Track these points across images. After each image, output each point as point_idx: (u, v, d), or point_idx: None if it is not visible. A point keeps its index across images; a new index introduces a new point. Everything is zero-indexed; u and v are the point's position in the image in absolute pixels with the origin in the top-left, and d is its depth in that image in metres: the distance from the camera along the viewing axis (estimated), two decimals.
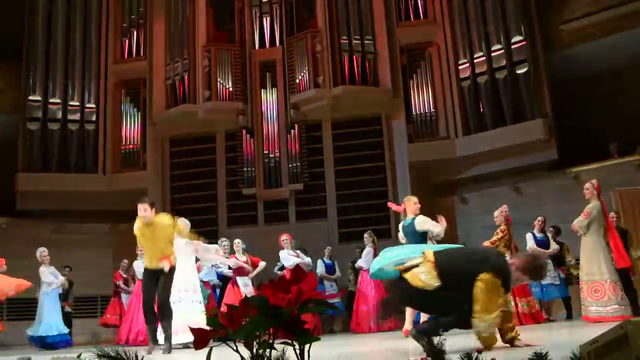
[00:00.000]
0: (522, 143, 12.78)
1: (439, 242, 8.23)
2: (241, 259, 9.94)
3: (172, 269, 7.36)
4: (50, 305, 11.00)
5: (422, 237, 7.80)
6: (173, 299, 7.93)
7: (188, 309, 8.18)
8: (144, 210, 7.32)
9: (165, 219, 7.47)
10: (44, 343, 10.76)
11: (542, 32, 13.53)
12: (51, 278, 11.01)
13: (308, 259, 10.88)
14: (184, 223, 8.76)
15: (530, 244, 10.16)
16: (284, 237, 10.61)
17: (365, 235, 11.34)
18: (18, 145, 14.38)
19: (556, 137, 12.83)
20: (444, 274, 4.25)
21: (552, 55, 13.53)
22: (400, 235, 8.13)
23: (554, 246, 10.31)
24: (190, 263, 8.66)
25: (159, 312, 7.33)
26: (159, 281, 7.28)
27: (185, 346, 7.91)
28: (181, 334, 7.74)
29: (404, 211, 8.08)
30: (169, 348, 7.21)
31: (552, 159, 12.85)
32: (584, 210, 7.92)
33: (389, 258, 4.75)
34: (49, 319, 10.89)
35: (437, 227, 7.77)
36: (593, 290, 7.66)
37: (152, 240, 7.32)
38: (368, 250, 11.07)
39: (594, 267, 7.73)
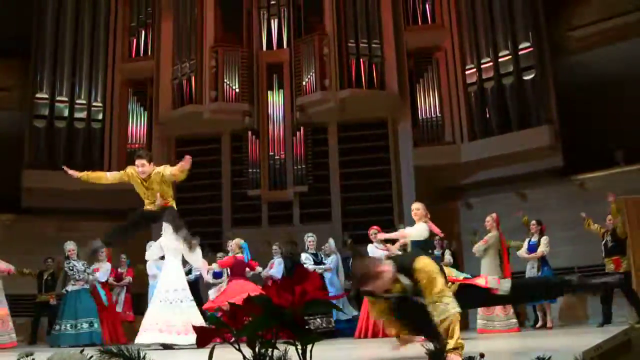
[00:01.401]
0: (528, 149, 12.76)
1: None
2: (241, 256, 9.94)
3: (172, 208, 7.63)
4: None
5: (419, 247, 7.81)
6: (161, 297, 7.98)
7: (184, 309, 7.96)
8: (141, 165, 7.52)
9: (162, 171, 7.59)
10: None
11: (550, 39, 13.51)
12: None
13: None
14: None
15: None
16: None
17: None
18: (24, 142, 14.41)
19: (562, 144, 12.81)
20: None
21: (560, 61, 13.51)
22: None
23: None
24: (178, 261, 8.42)
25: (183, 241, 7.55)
26: (165, 221, 7.56)
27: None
28: (184, 335, 7.59)
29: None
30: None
31: (557, 165, 12.83)
32: (484, 238, 9.78)
33: None
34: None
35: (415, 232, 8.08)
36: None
37: (150, 190, 7.55)
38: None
39: None
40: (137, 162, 7.59)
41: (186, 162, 7.38)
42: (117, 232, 8.06)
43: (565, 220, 11.63)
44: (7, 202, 13.50)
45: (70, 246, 10.67)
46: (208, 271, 10.37)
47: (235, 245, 10.14)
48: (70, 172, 7.73)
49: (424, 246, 7.85)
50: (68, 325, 10.24)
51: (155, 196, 7.63)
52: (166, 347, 7.60)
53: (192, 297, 8.28)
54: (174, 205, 7.96)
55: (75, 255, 10.62)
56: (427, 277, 3.93)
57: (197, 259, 8.83)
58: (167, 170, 7.64)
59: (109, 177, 7.85)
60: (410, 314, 4.18)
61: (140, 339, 7.79)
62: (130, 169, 7.70)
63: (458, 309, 3.85)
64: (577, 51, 13.46)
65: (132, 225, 8.01)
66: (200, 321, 7.88)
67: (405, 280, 4.00)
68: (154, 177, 7.58)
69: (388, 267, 4.00)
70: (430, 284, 3.90)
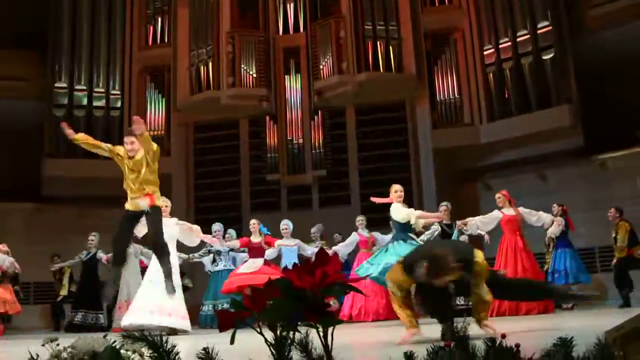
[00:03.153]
0: (548, 129, 12.64)
1: (417, 233, 8.23)
2: (256, 240, 9.94)
3: (157, 209, 7.01)
4: None
5: (404, 229, 7.80)
6: (152, 278, 7.72)
7: (163, 292, 7.64)
8: (130, 143, 6.96)
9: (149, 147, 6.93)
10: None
11: (569, 17, 13.35)
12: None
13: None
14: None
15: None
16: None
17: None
18: (44, 131, 14.52)
19: (582, 124, 12.68)
20: None
21: (579, 40, 13.35)
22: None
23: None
24: (172, 245, 8.10)
25: (155, 252, 7.17)
26: (147, 223, 7.04)
27: (160, 330, 7.08)
28: (157, 315, 7.45)
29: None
30: (171, 286, 7.15)
31: (578, 145, 12.70)
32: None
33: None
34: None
35: (410, 215, 7.86)
36: None
37: (136, 173, 6.95)
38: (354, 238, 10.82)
39: None
40: (126, 139, 7.08)
41: None
42: (119, 254, 7.65)
43: (586, 200, 11.55)
44: (27, 191, 13.64)
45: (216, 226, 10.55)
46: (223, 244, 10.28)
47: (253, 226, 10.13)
48: (68, 131, 7.14)
49: (405, 229, 7.82)
50: (210, 306, 10.24)
51: (140, 181, 6.98)
52: (171, 332, 7.31)
53: (180, 283, 7.97)
54: (160, 202, 7.32)
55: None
56: (483, 268, 4.31)
57: (193, 239, 8.89)
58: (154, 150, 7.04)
59: (104, 147, 7.29)
60: (433, 298, 4.20)
61: (130, 319, 7.61)
62: (119, 148, 7.20)
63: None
64: (596, 29, 13.28)
65: (124, 239, 7.51)
66: (173, 307, 7.68)
67: (465, 274, 4.16)
68: (141, 159, 6.98)
69: (457, 264, 4.00)
70: (483, 274, 4.31)
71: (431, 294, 4.16)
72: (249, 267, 9.59)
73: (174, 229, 8.27)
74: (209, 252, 10.67)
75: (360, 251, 10.36)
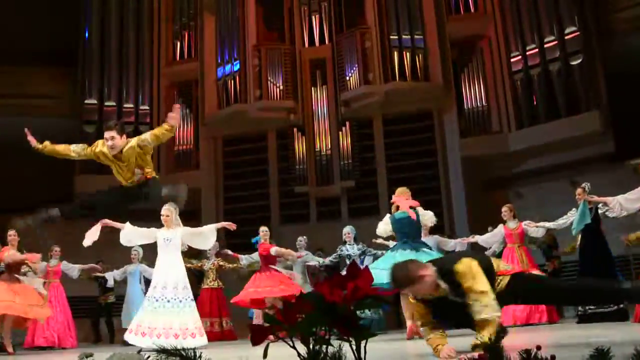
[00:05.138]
0: (578, 136, 12.50)
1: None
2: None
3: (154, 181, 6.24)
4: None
5: (409, 234, 7.25)
6: (157, 296, 7.29)
7: (178, 310, 7.27)
8: (111, 139, 6.07)
9: (135, 143, 6.09)
10: None
11: (597, 21, 13.23)
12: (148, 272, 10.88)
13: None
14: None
15: None
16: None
17: None
18: None
19: (613, 129, 12.53)
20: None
21: (608, 44, 13.20)
22: (382, 229, 7.58)
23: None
24: (178, 255, 7.66)
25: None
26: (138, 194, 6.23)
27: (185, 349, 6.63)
28: (163, 339, 6.84)
29: (396, 206, 7.51)
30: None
31: (609, 151, 12.55)
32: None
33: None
34: None
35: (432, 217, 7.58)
36: None
37: (126, 163, 6.13)
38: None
39: None
40: (106, 134, 6.16)
41: (175, 112, 6.18)
42: (80, 208, 7.03)
43: None
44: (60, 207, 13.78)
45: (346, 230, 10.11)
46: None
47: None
48: (30, 138, 6.42)
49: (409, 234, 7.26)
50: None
51: (132, 171, 6.17)
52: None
53: (186, 296, 7.42)
54: (156, 176, 6.50)
55: (351, 240, 10.02)
56: (469, 278, 3.79)
57: (205, 241, 8.08)
58: (144, 135, 6.22)
59: (73, 150, 6.55)
60: (448, 313, 4.03)
61: (135, 341, 7.09)
62: (99, 146, 6.34)
63: (498, 313, 3.72)
64: (625, 32, 13.13)
65: (106, 206, 6.88)
66: (188, 322, 7.28)
67: (444, 284, 3.86)
68: (128, 152, 6.09)
69: (430, 272, 3.82)
70: (473, 285, 3.77)
71: (440, 307, 4.02)
72: (261, 279, 9.16)
73: (178, 239, 7.73)
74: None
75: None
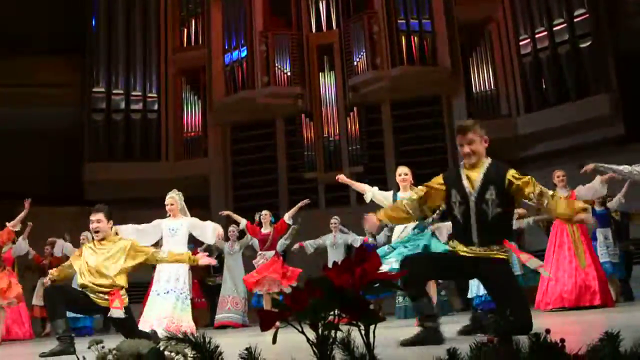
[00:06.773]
0: (587, 119, 12.42)
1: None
2: (266, 231, 9.67)
3: (126, 311, 5.34)
4: None
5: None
6: (159, 290, 7.22)
7: (173, 302, 7.15)
8: (97, 222, 5.47)
9: (128, 244, 5.54)
10: None
11: (607, 3, 13.10)
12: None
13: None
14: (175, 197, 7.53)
15: None
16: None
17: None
18: (84, 136, 14.77)
19: (622, 112, 12.45)
20: None
21: (618, 26, 13.09)
22: (375, 197, 7.13)
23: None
24: (183, 247, 7.36)
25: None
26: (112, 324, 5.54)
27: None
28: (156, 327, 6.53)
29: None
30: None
31: (619, 134, 12.47)
32: None
33: None
34: None
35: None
36: None
37: (98, 266, 5.38)
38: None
39: None
40: (92, 216, 5.52)
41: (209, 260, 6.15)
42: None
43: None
44: (71, 195, 13.86)
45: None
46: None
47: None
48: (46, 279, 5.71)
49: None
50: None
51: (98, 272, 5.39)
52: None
53: (181, 290, 7.26)
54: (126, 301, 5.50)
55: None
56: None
57: (207, 236, 7.75)
58: (138, 245, 5.69)
59: (74, 267, 5.63)
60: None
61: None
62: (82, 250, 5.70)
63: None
64: (634, 15, 13.01)
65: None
66: (174, 317, 7.13)
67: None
68: (109, 245, 5.53)
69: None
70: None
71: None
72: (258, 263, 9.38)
73: (183, 230, 7.48)
74: None
75: None
